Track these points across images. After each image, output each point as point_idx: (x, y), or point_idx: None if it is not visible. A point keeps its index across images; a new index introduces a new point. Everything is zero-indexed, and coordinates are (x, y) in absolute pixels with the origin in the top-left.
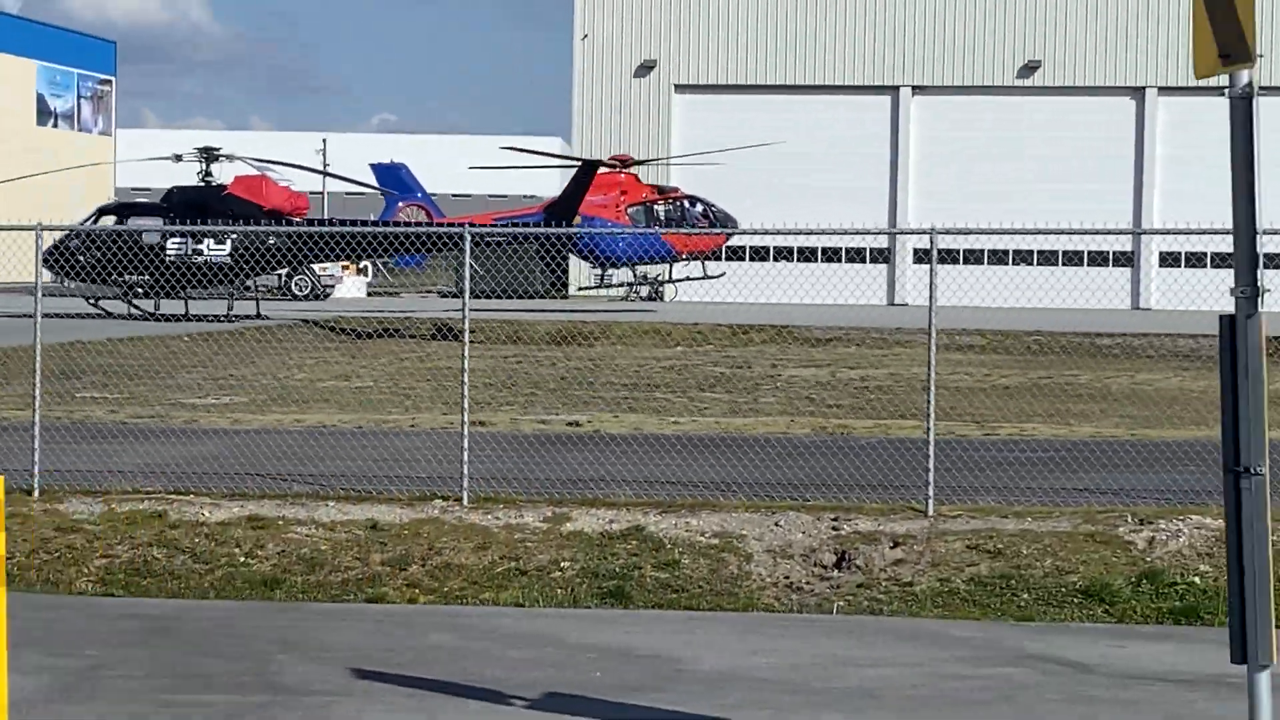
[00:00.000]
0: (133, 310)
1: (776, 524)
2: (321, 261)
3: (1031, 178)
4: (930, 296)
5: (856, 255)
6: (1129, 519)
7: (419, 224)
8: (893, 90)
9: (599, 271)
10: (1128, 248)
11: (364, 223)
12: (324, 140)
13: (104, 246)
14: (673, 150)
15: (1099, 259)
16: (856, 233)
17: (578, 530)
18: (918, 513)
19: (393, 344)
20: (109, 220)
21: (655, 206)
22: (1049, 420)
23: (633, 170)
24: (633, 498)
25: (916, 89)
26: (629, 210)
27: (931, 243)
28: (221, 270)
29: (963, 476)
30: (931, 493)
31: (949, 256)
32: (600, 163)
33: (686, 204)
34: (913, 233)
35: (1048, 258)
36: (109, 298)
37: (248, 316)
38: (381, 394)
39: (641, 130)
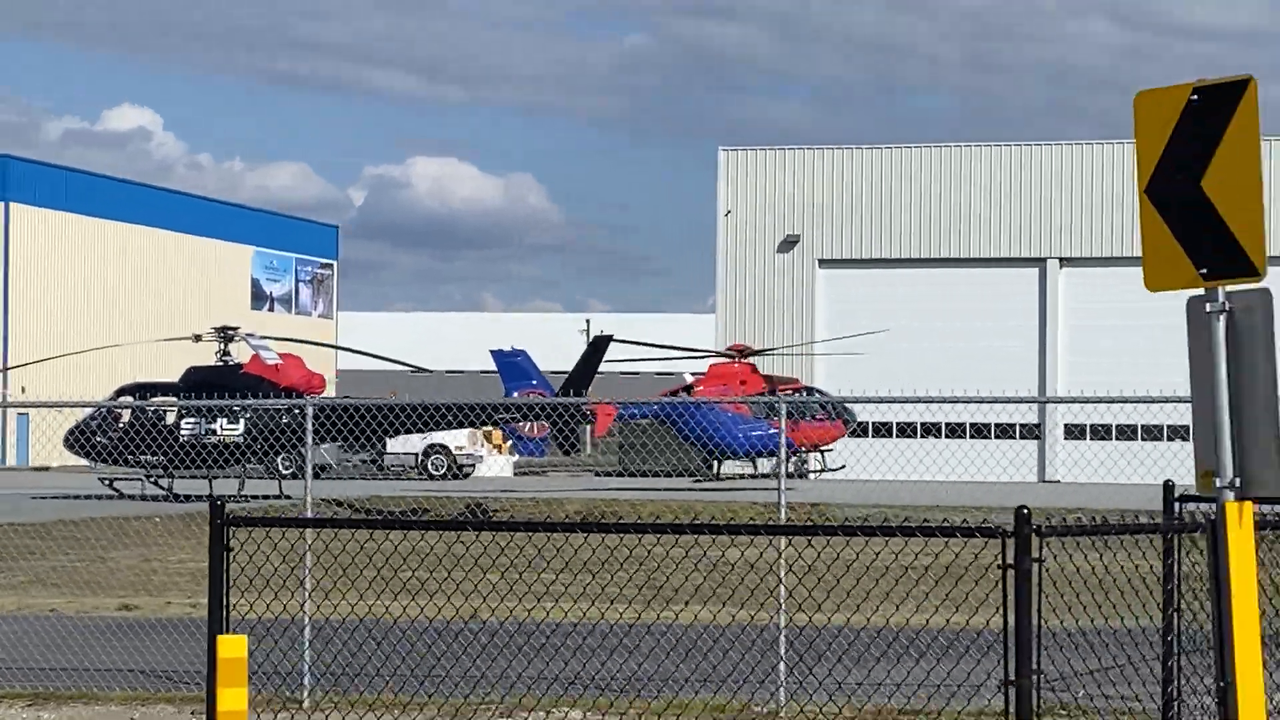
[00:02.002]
0: (146, 490)
1: (133, 717)
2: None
3: (1181, 347)
4: None
5: (1005, 431)
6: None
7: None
8: (1039, 263)
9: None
10: None
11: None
12: (587, 320)
13: (120, 426)
14: (817, 324)
15: None
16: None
17: None
18: (295, 704)
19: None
20: (126, 400)
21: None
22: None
23: (750, 360)
24: (16, 690)
25: (1064, 261)
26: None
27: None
28: (236, 449)
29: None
30: (307, 683)
31: (1101, 432)
32: (609, 339)
33: (804, 395)
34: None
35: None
36: (124, 478)
37: (270, 496)
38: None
39: (786, 305)
